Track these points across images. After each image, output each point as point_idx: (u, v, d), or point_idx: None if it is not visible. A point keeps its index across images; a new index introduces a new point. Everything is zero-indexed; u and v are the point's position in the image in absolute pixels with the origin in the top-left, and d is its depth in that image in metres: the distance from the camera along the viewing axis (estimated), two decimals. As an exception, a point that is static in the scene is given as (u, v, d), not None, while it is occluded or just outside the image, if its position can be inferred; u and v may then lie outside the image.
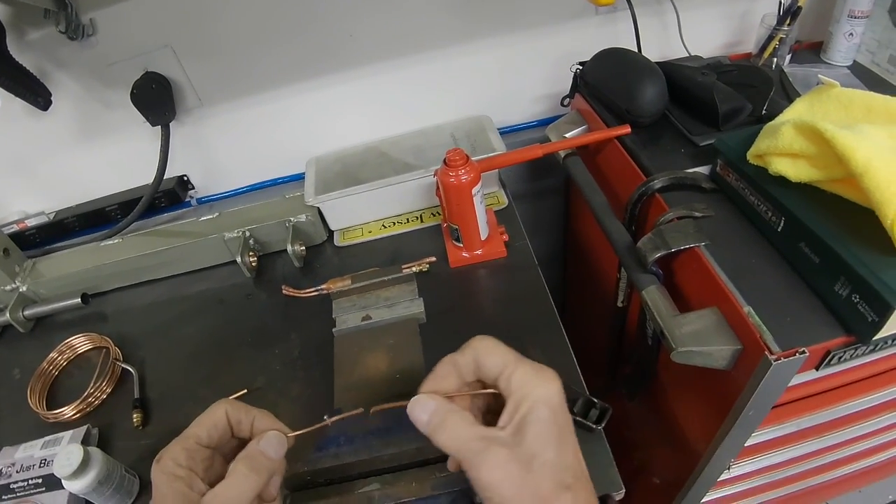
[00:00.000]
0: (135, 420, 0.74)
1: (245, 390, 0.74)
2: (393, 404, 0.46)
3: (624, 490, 0.61)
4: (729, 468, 0.77)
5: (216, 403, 0.44)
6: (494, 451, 0.38)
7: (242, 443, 0.44)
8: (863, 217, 0.55)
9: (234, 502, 0.40)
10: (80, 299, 0.89)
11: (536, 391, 0.40)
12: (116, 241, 0.96)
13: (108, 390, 0.79)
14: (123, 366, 0.81)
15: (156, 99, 0.90)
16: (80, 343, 0.86)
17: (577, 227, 1.17)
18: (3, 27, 0.78)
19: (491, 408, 0.46)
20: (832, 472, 0.98)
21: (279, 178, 1.10)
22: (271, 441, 0.43)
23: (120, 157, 1.01)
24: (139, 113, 0.90)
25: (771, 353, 0.54)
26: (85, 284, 0.93)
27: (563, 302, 1.42)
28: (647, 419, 0.94)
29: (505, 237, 0.86)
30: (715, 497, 0.89)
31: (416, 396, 0.43)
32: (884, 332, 0.53)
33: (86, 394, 0.77)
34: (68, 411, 0.77)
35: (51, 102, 0.83)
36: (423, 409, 0.42)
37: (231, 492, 0.40)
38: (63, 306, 0.90)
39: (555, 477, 0.38)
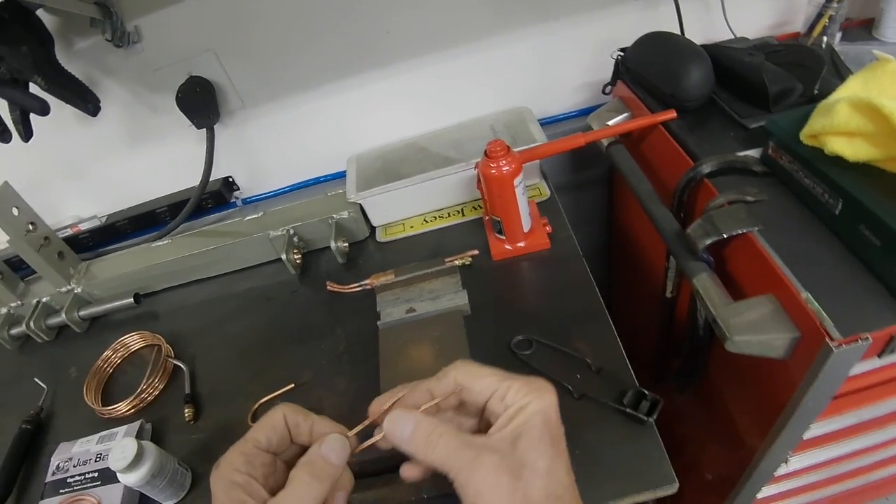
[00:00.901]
0: (186, 415, 0.76)
1: (292, 385, 0.75)
2: (361, 425, 0.43)
3: (677, 484, 0.59)
4: (787, 462, 0.74)
5: (275, 408, 0.43)
6: (485, 459, 0.37)
7: (304, 450, 0.42)
8: (927, 196, 0.53)
9: None
10: (132, 299, 0.92)
11: (532, 404, 0.39)
12: (166, 242, 0.98)
13: (161, 386, 0.81)
14: (175, 362, 0.83)
15: (200, 102, 0.92)
16: (134, 341, 0.89)
17: (622, 218, 1.15)
18: (51, 37, 0.80)
19: (471, 430, 0.45)
20: (890, 467, 0.94)
21: (321, 177, 1.11)
22: (333, 445, 0.41)
23: (167, 161, 1.04)
24: (184, 116, 0.93)
25: (832, 339, 0.51)
26: (137, 285, 0.96)
27: (608, 296, 1.39)
28: (699, 414, 0.92)
29: (548, 229, 0.85)
30: (771, 493, 0.86)
31: (392, 412, 0.41)
32: (950, 315, 0.51)
33: (139, 390, 0.80)
34: (122, 407, 0.79)
35: (100, 108, 0.85)
36: (404, 424, 0.40)
37: (292, 501, 0.38)
38: (116, 306, 0.93)
39: (546, 487, 0.37)
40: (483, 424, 0.42)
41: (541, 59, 1.03)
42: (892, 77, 0.63)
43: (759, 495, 0.84)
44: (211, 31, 0.90)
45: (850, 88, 0.64)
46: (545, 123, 1.06)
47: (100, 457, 0.72)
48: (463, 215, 0.94)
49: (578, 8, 0.98)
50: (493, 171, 0.76)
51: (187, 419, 0.76)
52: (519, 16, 0.97)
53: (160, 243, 0.98)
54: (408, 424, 0.40)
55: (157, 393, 0.81)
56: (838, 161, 0.60)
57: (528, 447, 0.37)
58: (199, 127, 0.94)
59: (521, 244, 0.84)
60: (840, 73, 0.84)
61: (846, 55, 0.89)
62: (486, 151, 0.76)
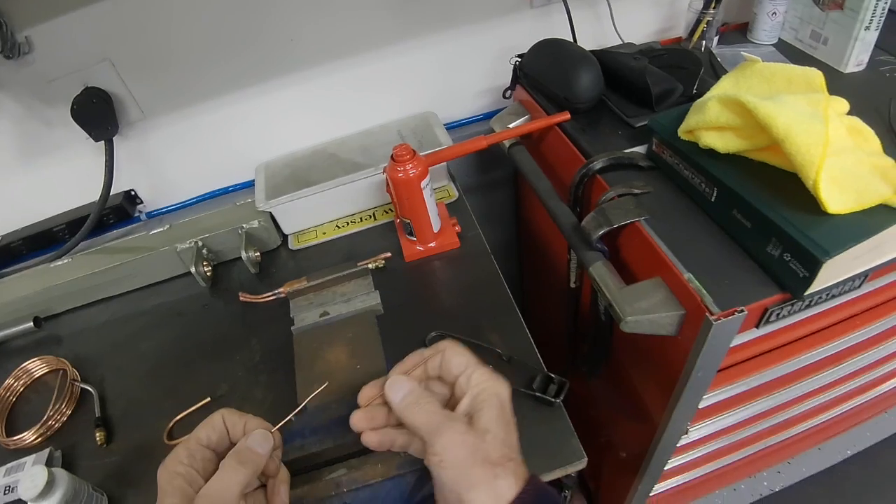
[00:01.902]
0: (98, 439, 0.73)
1: (208, 399, 0.74)
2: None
3: (586, 459, 0.63)
4: (687, 432, 0.80)
5: (215, 411, 0.51)
6: (454, 423, 0.46)
7: None
8: (788, 181, 0.59)
9: (225, 492, 0.45)
10: (32, 323, 0.87)
11: (492, 387, 0.48)
12: (66, 261, 0.94)
13: (69, 412, 0.78)
14: (83, 386, 0.80)
15: (97, 114, 0.89)
16: (36, 367, 0.84)
17: (528, 216, 1.20)
18: (-66, 49, 0.76)
19: (448, 405, 0.52)
20: (788, 431, 1.03)
21: (229, 187, 1.09)
22: (256, 437, 0.49)
23: (64, 176, 0.99)
24: (81, 129, 0.89)
25: (711, 314, 0.57)
26: (36, 308, 0.91)
27: (520, 290, 1.44)
28: (609, 395, 0.97)
29: (457, 228, 0.88)
30: (677, 464, 0.92)
31: (392, 377, 0.49)
32: (815, 287, 0.57)
33: (45, 417, 0.76)
34: (29, 436, 0.75)
35: (-11, 123, 0.81)
36: (399, 388, 0.48)
37: (221, 483, 0.45)
38: (15, 332, 0.88)
39: (502, 450, 0.45)
40: (453, 399, 0.51)
41: (444, 66, 1.06)
42: (759, 76, 0.69)
43: (667, 466, 0.90)
44: (107, 40, 0.87)
45: (722, 87, 0.70)
46: (451, 127, 1.10)
47: (9, 489, 0.68)
48: (374, 219, 0.96)
49: (478, 16, 1.02)
50: (401, 175, 0.78)
51: (99, 443, 0.73)
52: (422, 24, 1.00)
53: (59, 263, 0.93)
54: (402, 389, 0.48)
55: (64, 419, 0.77)
56: (712, 153, 0.66)
57: (488, 419, 0.46)
58: (96, 140, 0.90)
59: (432, 244, 0.86)
60: (717, 73, 0.92)
61: (723, 57, 0.98)
62: (392, 156, 0.78)
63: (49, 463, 0.71)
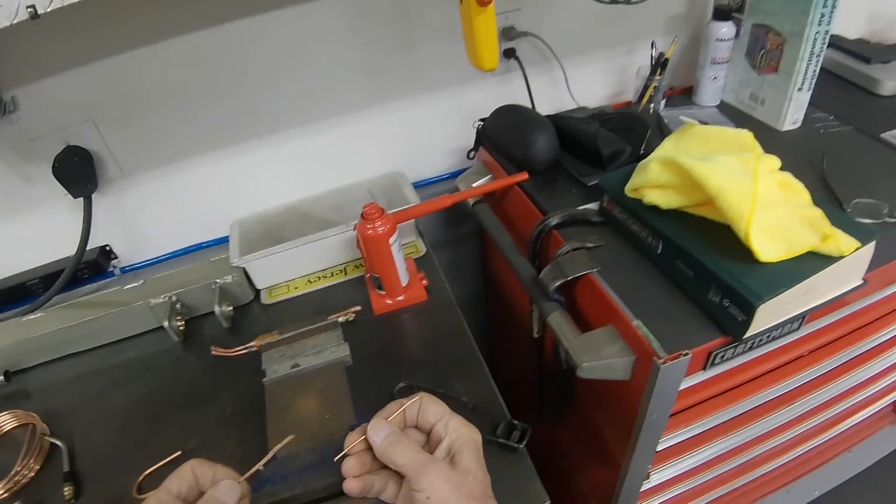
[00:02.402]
0: (66, 494, 0.73)
1: (179, 452, 0.75)
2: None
3: (549, 502, 0.66)
4: (648, 476, 0.83)
5: (185, 463, 0.51)
6: (437, 462, 0.48)
7: None
8: (725, 233, 0.64)
9: None
10: (1, 377, 0.87)
11: (468, 433, 0.51)
12: (38, 315, 0.94)
13: (37, 467, 0.77)
14: (51, 440, 0.80)
15: (77, 171, 0.91)
16: (5, 421, 0.84)
17: (494, 270, 1.25)
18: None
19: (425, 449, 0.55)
20: (751, 473, 1.05)
21: (203, 243, 1.12)
22: (224, 487, 0.49)
23: (41, 231, 1.01)
24: (61, 186, 0.91)
25: (659, 357, 0.61)
26: (6, 361, 0.91)
27: (488, 342, 1.47)
28: (575, 443, 0.99)
29: (425, 282, 0.92)
30: (644, 510, 0.94)
31: (373, 421, 0.51)
32: (753, 330, 0.62)
33: (13, 472, 0.75)
34: (-5, 492, 0.75)
35: (-30, 178, 0.83)
36: (380, 430, 0.50)
37: None
38: (-17, 386, 0.88)
39: (483, 489, 0.49)
40: (428, 445, 0.53)
41: (413, 128, 1.12)
42: (697, 137, 0.76)
43: (633, 513, 0.91)
44: (90, 101, 0.90)
45: (663, 149, 0.77)
46: (419, 186, 1.15)
47: (-28, 547, 0.68)
48: (346, 274, 0.99)
49: (445, 82, 1.09)
50: (370, 232, 0.82)
51: (67, 498, 0.72)
52: (392, 89, 1.06)
53: (32, 316, 0.94)
54: (382, 431, 0.50)
55: (32, 475, 0.77)
56: (656, 209, 0.71)
57: (468, 461, 0.49)
58: (75, 196, 0.93)
59: (401, 298, 0.90)
60: (664, 134, 0.98)
61: (670, 119, 1.05)
62: (362, 214, 0.83)
63: (16, 519, 0.71)
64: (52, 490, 0.75)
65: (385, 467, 0.52)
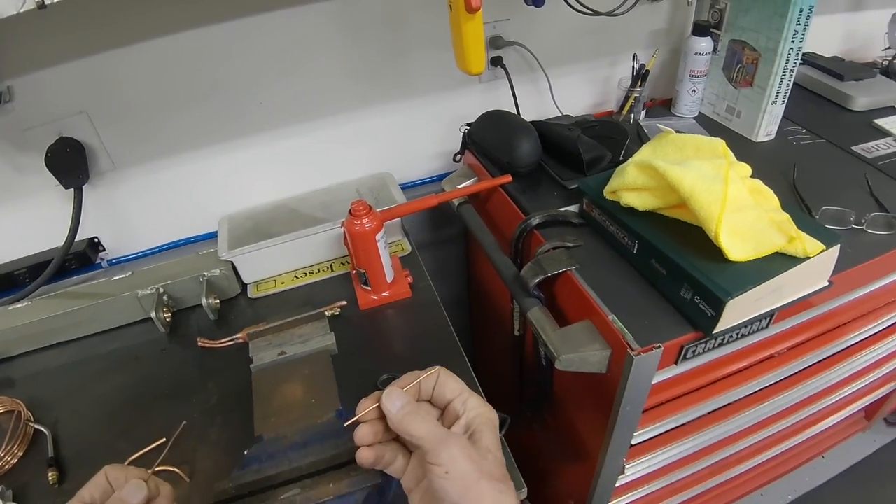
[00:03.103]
0: (50, 479, 0.73)
1: (164, 439, 0.76)
2: (353, 419, 0.52)
3: (526, 489, 0.68)
4: (623, 470, 0.85)
5: (100, 470, 0.52)
6: (458, 437, 0.47)
7: None
8: (697, 234, 0.67)
9: None
10: (-14, 366, 0.88)
11: (488, 414, 0.50)
12: (25, 304, 0.95)
13: (20, 453, 0.78)
14: (36, 426, 0.80)
15: (70, 163, 0.92)
16: (-10, 407, 0.85)
17: (477, 271, 1.27)
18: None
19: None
20: (725, 474, 1.08)
21: (192, 237, 1.13)
22: (130, 488, 0.50)
23: (30, 221, 1.01)
24: (52, 176, 0.92)
25: (632, 349, 0.64)
26: (-8, 349, 0.91)
27: (471, 341, 1.49)
28: (553, 441, 1.01)
29: (409, 279, 0.94)
30: (619, 506, 0.96)
31: (389, 389, 0.50)
32: (722, 325, 0.65)
33: (-5, 457, 0.76)
34: (-22, 476, 0.75)
35: (-36, 166, 0.84)
36: (396, 399, 0.49)
37: None
38: (-32, 375, 0.89)
39: (501, 470, 0.48)
40: (442, 420, 0.52)
41: (401, 131, 1.15)
42: (673, 145, 0.79)
43: (609, 509, 0.94)
44: (85, 93, 0.92)
45: (640, 154, 0.80)
46: (406, 187, 1.17)
47: (-45, 527, 0.69)
48: (332, 270, 1.01)
49: (432, 87, 1.12)
50: (357, 228, 0.84)
51: (51, 483, 0.73)
52: (381, 93, 1.09)
53: (19, 305, 0.94)
54: (398, 400, 0.49)
55: (15, 461, 0.77)
56: (632, 211, 0.75)
57: (488, 441, 0.48)
58: (67, 187, 0.93)
59: (385, 294, 0.92)
60: (643, 142, 1.02)
61: (649, 128, 1.09)
62: (350, 210, 0.85)
63: (1, 500, 0.71)
64: (35, 475, 0.75)
65: (395, 439, 0.52)
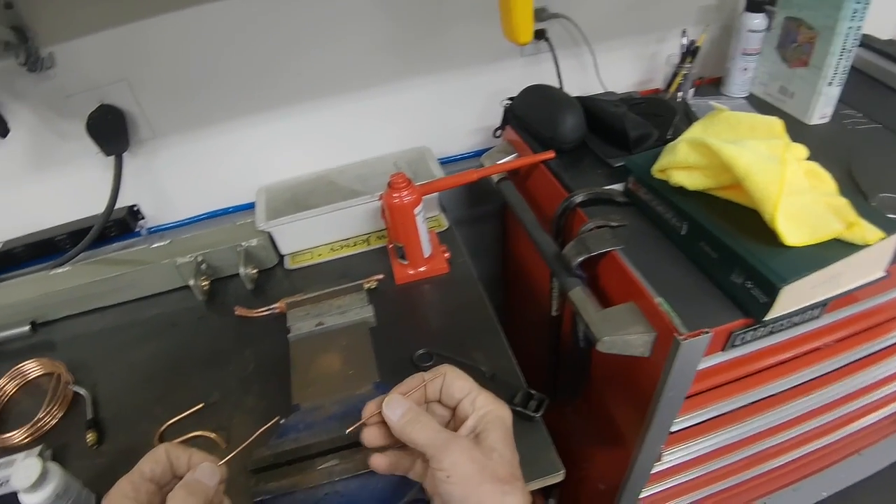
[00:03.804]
0: (89, 440, 0.75)
1: (202, 404, 0.77)
2: (357, 424, 0.52)
3: (564, 471, 0.67)
4: (660, 458, 0.83)
5: (159, 446, 0.50)
6: (459, 440, 0.46)
7: None
8: (750, 216, 0.64)
9: None
10: (28, 327, 0.89)
11: (497, 411, 0.49)
12: (66, 269, 0.97)
13: (60, 414, 0.80)
14: (76, 389, 0.82)
15: (110, 130, 0.93)
16: (31, 369, 0.86)
17: (514, 248, 1.25)
18: (-38, 58, 0.80)
19: (449, 427, 0.53)
20: (762, 466, 1.05)
21: (229, 208, 1.13)
22: (205, 470, 0.48)
23: (72, 188, 1.03)
24: (93, 143, 0.93)
25: (680, 334, 0.61)
26: (34, 313, 0.93)
27: (504, 320, 1.47)
28: (587, 425, 1.00)
29: (447, 255, 0.93)
30: (652, 493, 0.94)
31: (389, 396, 0.49)
32: (775, 312, 0.62)
33: (36, 418, 0.78)
34: (18, 435, 0.77)
35: (8, 130, 0.85)
36: (396, 407, 0.48)
37: None
38: (11, 335, 0.91)
39: (509, 469, 0.46)
40: (454, 421, 0.51)
41: (440, 105, 1.13)
42: (726, 122, 0.75)
43: (642, 495, 0.92)
44: (125, 61, 0.92)
45: (692, 132, 0.77)
46: (444, 162, 1.16)
47: (-3, 483, 0.70)
48: (368, 244, 1.00)
49: (473, 61, 1.09)
50: (396, 201, 0.83)
51: (90, 444, 0.75)
52: (421, 65, 1.07)
53: (60, 270, 0.96)
54: (399, 408, 0.48)
55: (55, 421, 0.79)
56: (681, 191, 0.72)
57: (495, 439, 0.47)
58: (107, 154, 0.94)
59: (422, 269, 0.91)
60: (691, 121, 0.99)
61: (697, 107, 1.05)
62: (389, 183, 0.84)
63: (41, 458, 0.72)
64: (74, 437, 0.77)
65: None
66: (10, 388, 0.85)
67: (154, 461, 0.48)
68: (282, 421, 0.69)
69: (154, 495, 0.47)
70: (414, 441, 0.47)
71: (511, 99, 1.04)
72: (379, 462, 0.51)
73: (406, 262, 0.90)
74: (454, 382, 0.51)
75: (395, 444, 0.51)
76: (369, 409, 0.51)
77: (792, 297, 0.62)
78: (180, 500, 0.45)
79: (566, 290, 0.74)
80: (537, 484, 0.66)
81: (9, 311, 0.93)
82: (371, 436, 0.50)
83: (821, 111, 0.99)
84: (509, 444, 0.48)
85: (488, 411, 0.49)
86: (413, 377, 0.52)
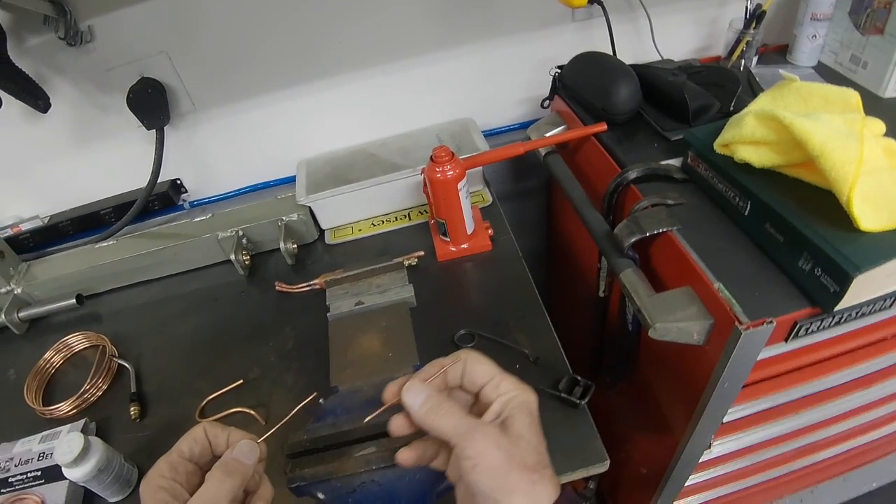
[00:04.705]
0: (132, 413, 0.76)
1: (241, 381, 0.77)
2: (379, 410, 0.50)
3: (608, 461, 0.64)
4: (710, 447, 0.80)
5: (197, 425, 0.49)
6: (485, 427, 0.44)
7: None
8: (822, 197, 0.60)
9: (213, 503, 0.44)
10: (74, 300, 0.91)
11: (522, 396, 0.47)
12: (110, 243, 0.98)
13: (104, 387, 0.81)
14: (120, 362, 0.83)
15: (151, 103, 0.92)
16: (77, 342, 0.88)
17: (559, 225, 1.21)
18: (3, 32, 0.80)
19: (472, 413, 0.51)
20: (813, 457, 1.01)
21: (270, 181, 1.13)
22: (243, 448, 0.47)
23: (114, 161, 1.03)
24: (135, 117, 0.93)
25: (741, 323, 0.57)
26: (79, 286, 0.95)
27: (547, 299, 1.44)
28: (632, 408, 0.97)
29: (490, 232, 0.90)
30: (698, 481, 0.92)
31: (409, 383, 0.47)
32: (845, 303, 0.57)
33: (82, 390, 0.79)
34: (65, 407, 0.78)
35: (50, 105, 0.85)
36: (417, 394, 0.46)
37: (208, 495, 0.44)
38: (58, 307, 0.92)
39: (537, 456, 0.44)
40: (477, 407, 0.49)
41: (485, 74, 1.09)
42: (797, 94, 0.70)
43: (688, 483, 0.89)
44: (165, 33, 0.91)
45: (759, 104, 0.71)
46: (488, 135, 1.12)
47: (43, 455, 0.71)
48: (409, 219, 0.98)
49: (520, 27, 1.04)
50: (439, 175, 0.80)
51: (133, 417, 0.76)
52: (465, 33, 1.03)
53: (105, 244, 0.98)
54: (420, 395, 0.46)
55: (100, 393, 0.81)
56: (747, 168, 0.67)
57: (521, 426, 0.44)
58: (149, 128, 0.94)
59: (465, 246, 0.88)
60: (755, 92, 0.93)
61: (762, 77, 0.98)
62: (432, 157, 0.81)
63: (84, 433, 0.73)
64: (118, 409, 0.78)
65: None
66: (57, 360, 0.87)
67: (193, 440, 0.48)
68: (321, 401, 0.68)
69: (193, 475, 0.47)
70: (437, 429, 0.45)
71: (560, 67, 0.99)
72: (406, 457, 0.49)
73: (448, 239, 0.88)
74: (476, 367, 0.49)
75: (422, 437, 0.49)
76: (390, 392, 0.49)
77: (865, 287, 0.57)
78: (217, 480, 0.45)
79: (617, 271, 0.70)
80: (581, 473, 0.63)
81: (55, 285, 0.95)
82: (398, 424, 0.48)
83: (896, 83, 0.92)
84: (536, 431, 0.46)
85: (513, 396, 0.46)
86: (432, 363, 0.50)
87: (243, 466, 0.46)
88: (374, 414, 0.49)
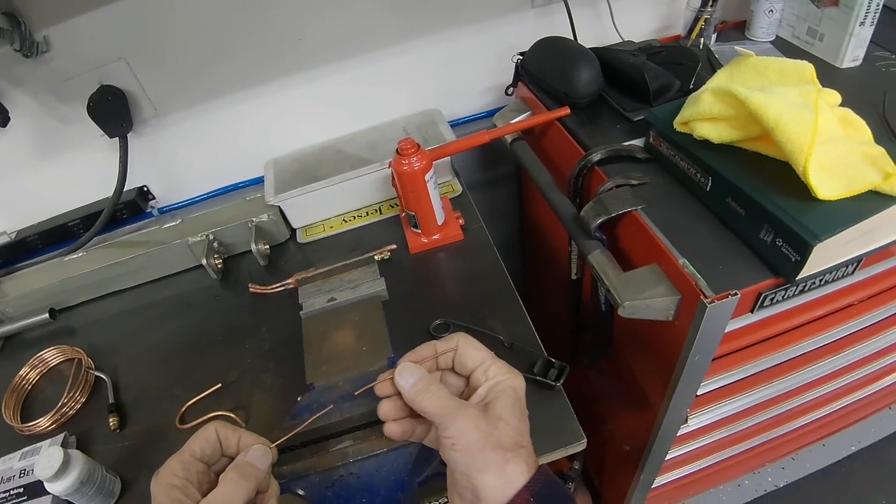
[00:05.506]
0: (112, 424, 0.75)
1: (220, 384, 0.77)
2: (367, 386, 0.51)
3: (585, 440, 0.65)
4: (686, 420, 0.81)
5: (208, 424, 0.49)
6: (467, 409, 0.45)
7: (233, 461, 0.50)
8: (780, 169, 0.61)
9: None
10: (47, 314, 0.89)
11: (508, 379, 0.48)
12: (80, 254, 0.96)
13: (83, 399, 0.80)
14: (96, 374, 0.82)
15: (112, 111, 0.91)
16: (52, 356, 0.87)
17: (531, 211, 1.22)
18: (-44, 47, 0.78)
19: (462, 396, 0.53)
20: (790, 424, 1.03)
21: (239, 183, 1.12)
22: (257, 452, 0.48)
23: (79, 172, 1.02)
24: (96, 126, 0.91)
25: (706, 297, 0.58)
26: (51, 300, 0.93)
27: (524, 285, 1.46)
28: (611, 388, 0.98)
29: (461, 221, 0.91)
30: (679, 454, 0.93)
31: (402, 365, 0.49)
32: (807, 271, 0.59)
33: (60, 404, 0.78)
34: (44, 422, 0.77)
35: (9, 119, 0.83)
36: (409, 375, 0.48)
37: (223, 497, 0.45)
38: (31, 323, 0.91)
39: (514, 437, 0.45)
40: (468, 390, 0.51)
41: (448, 65, 1.09)
42: (753, 69, 0.71)
43: (668, 457, 0.91)
44: (122, 39, 0.89)
45: (716, 80, 0.72)
46: (455, 124, 1.12)
47: (24, 472, 0.71)
48: (380, 213, 0.98)
49: (481, 16, 1.04)
50: (406, 168, 0.80)
51: (113, 428, 0.75)
52: (426, 23, 1.02)
53: (74, 256, 0.96)
54: (411, 376, 0.48)
55: (78, 406, 0.80)
56: (706, 144, 0.68)
57: (502, 408, 0.46)
58: (111, 136, 0.93)
59: (436, 236, 0.89)
60: (715, 69, 0.93)
61: (721, 54, 1.00)
62: (397, 150, 0.81)
63: (64, 446, 0.73)
64: (97, 421, 0.77)
65: None
66: (33, 376, 0.85)
67: (204, 440, 0.48)
68: (298, 398, 0.69)
69: (203, 474, 0.48)
70: (424, 409, 0.47)
71: (522, 54, 0.99)
72: (392, 429, 0.51)
73: (419, 231, 0.88)
74: (467, 352, 0.50)
75: (411, 416, 0.51)
76: (383, 378, 0.50)
77: (825, 255, 0.58)
78: (233, 482, 0.46)
79: (585, 253, 0.71)
80: (559, 453, 0.64)
81: (27, 300, 0.93)
82: (386, 409, 0.50)
83: (852, 53, 0.93)
84: (517, 413, 0.47)
85: (500, 381, 0.48)
86: (425, 346, 0.51)
87: (257, 471, 0.47)
88: (363, 388, 0.50)
